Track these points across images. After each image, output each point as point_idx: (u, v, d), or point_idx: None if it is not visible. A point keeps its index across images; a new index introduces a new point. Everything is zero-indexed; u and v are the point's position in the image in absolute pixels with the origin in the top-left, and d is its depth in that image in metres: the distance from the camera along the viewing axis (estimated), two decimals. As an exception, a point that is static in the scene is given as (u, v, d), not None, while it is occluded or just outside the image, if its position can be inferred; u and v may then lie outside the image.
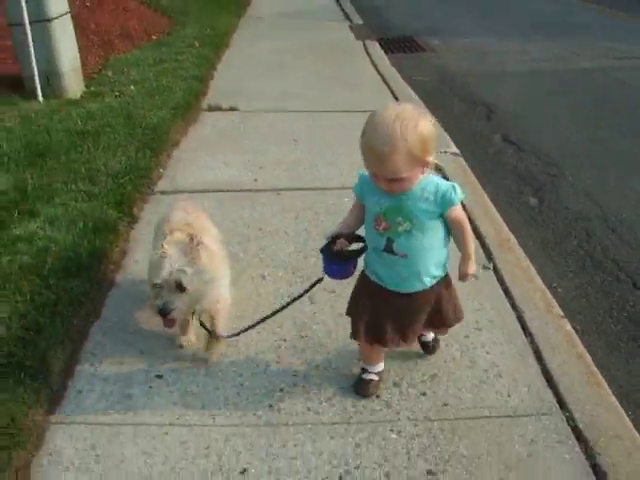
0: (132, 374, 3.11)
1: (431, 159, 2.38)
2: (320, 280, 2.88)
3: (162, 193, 4.93)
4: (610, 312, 3.89)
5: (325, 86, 7.93)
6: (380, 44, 10.37)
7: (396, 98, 7.37)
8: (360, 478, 2.54)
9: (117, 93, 6.98)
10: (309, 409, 2.92)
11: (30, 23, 6.36)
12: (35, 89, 6.66)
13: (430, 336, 3.13)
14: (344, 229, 2.71)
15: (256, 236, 4.34)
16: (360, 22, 12.32)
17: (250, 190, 5.02)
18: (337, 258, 2.66)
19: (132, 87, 7.16)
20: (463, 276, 2.71)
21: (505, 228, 4.40)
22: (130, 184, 4.74)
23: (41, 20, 6.49)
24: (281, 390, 3.00)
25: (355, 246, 2.68)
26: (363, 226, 2.70)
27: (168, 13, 11.15)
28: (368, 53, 9.72)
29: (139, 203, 4.65)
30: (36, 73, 6.59)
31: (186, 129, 6.29)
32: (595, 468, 2.60)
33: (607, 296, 4.01)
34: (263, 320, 3.05)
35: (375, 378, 2.96)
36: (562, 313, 3.53)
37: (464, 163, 5.41)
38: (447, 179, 4.08)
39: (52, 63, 6.71)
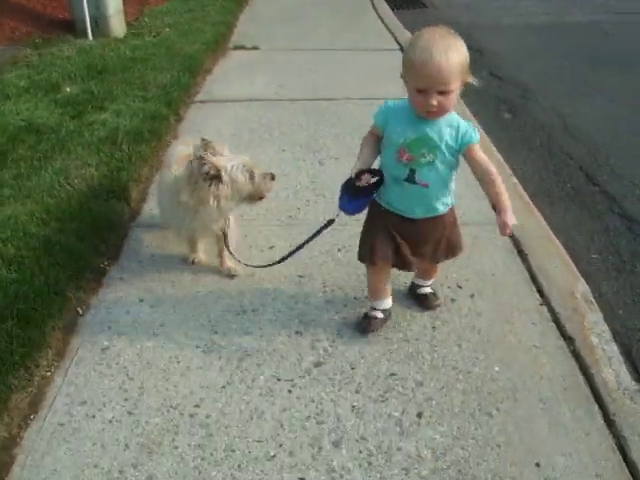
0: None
1: (469, 79, 2.51)
2: (332, 221, 3.01)
3: (201, 102, 6.22)
4: (557, 184, 5.15)
5: (336, 32, 9.21)
6: (387, 2, 11.54)
7: (398, 43, 8.53)
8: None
9: (155, 34, 8.22)
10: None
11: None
12: (86, 30, 7.89)
13: (427, 289, 3.22)
14: (363, 165, 2.75)
15: (278, 126, 5.64)
16: (371, -19, 13.42)
17: (271, 100, 6.30)
18: (360, 194, 2.73)
19: (167, 29, 8.38)
20: (504, 228, 2.63)
21: (482, 132, 5.48)
22: (176, 92, 5.97)
23: (92, -33, 7.57)
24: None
25: (374, 179, 2.74)
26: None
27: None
28: (375, 7, 10.96)
29: (183, 107, 5.94)
30: (87, 16, 7.84)
31: (216, 61, 7.54)
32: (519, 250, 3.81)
33: (556, 175, 5.29)
34: (283, 259, 3.29)
35: (380, 316, 3.05)
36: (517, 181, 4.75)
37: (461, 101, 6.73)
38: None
39: (100, 8, 7.98)
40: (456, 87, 2.50)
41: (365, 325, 3.05)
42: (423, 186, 2.71)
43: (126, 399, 2.73)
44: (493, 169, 2.70)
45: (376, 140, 2.81)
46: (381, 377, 2.86)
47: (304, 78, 6.94)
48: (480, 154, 2.69)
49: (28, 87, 5.88)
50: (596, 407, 2.71)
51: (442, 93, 2.48)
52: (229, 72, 7.22)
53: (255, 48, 8.24)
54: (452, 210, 2.90)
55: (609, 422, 2.63)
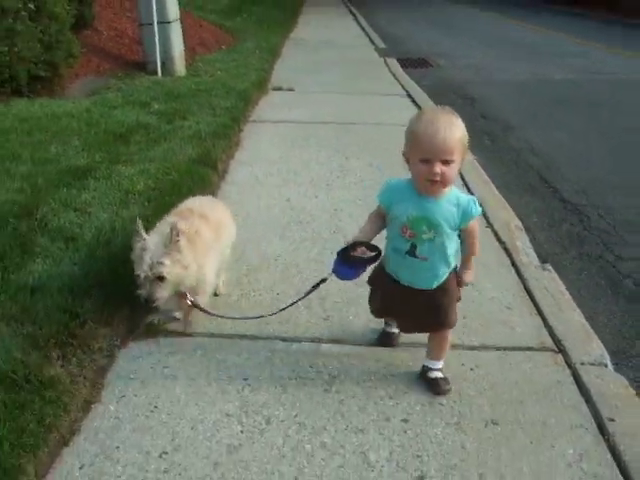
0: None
1: (466, 155, 2.80)
2: (324, 280, 3.22)
3: (254, 122, 8.57)
4: (519, 183, 7.31)
5: (352, 81, 11.51)
6: (397, 61, 13.89)
7: (407, 92, 10.76)
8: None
9: (210, 75, 10.50)
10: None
11: (157, 23, 10.03)
12: (156, 69, 10.13)
13: (437, 373, 3.25)
14: (363, 238, 2.98)
15: (312, 137, 7.99)
16: (383, 46, 16.19)
17: (307, 122, 8.54)
18: (353, 262, 2.93)
19: (219, 72, 10.64)
20: (462, 283, 3.09)
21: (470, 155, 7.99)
22: (236, 113, 8.18)
23: (163, 22, 10.14)
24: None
25: (371, 254, 2.96)
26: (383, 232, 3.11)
27: (231, 32, 14.85)
28: (387, 64, 13.30)
29: (243, 123, 8.34)
30: (158, 58, 10.12)
31: (260, 96, 9.75)
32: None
33: (520, 178, 7.49)
34: (283, 309, 3.66)
35: (396, 331, 3.44)
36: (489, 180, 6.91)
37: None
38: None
39: (168, 52, 10.28)
40: (457, 160, 2.72)
41: (386, 340, 3.53)
42: (422, 260, 2.91)
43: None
44: (477, 237, 3.07)
45: (381, 218, 3.03)
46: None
47: (331, 110, 9.16)
48: (474, 225, 2.99)
49: (126, 103, 8.04)
50: (513, 271, 4.78)
51: (445, 163, 2.69)
52: (272, 104, 9.49)
53: (290, 89, 10.50)
54: (452, 279, 3.09)
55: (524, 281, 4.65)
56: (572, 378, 3.52)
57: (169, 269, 3.12)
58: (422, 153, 2.74)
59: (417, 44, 17.27)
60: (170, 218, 3.41)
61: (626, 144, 8.64)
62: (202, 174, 5.90)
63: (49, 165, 5.49)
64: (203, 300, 3.50)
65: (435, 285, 3.01)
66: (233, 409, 3.15)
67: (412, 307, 3.07)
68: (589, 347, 3.85)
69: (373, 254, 2.97)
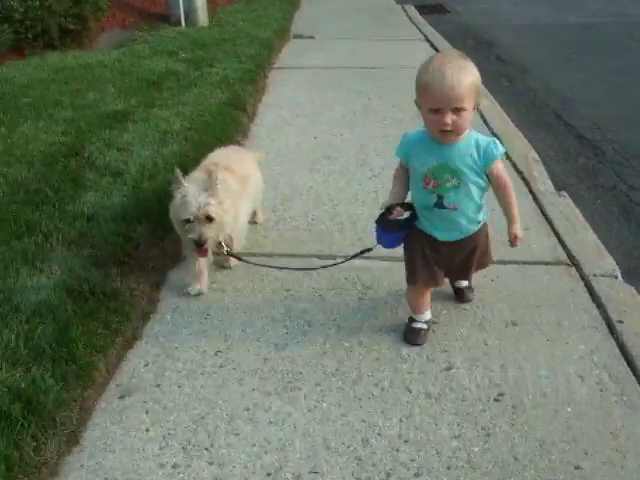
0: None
1: (481, 102, 2.69)
2: (369, 249, 3.28)
3: (278, 68, 8.80)
4: (535, 120, 7.54)
5: (371, 27, 11.77)
6: (415, 7, 14.01)
7: (425, 36, 10.96)
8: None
9: (233, 25, 10.76)
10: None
11: (179, -24, 10.17)
12: (180, 20, 10.43)
13: (464, 283, 3.38)
14: (395, 199, 2.92)
15: (336, 81, 8.24)
16: (400, -7, 16.21)
17: (329, 67, 8.81)
18: (392, 227, 2.89)
19: (241, 22, 10.89)
20: (513, 239, 2.93)
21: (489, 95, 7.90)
22: (260, 60, 8.48)
23: (185, -26, 10.32)
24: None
25: (406, 214, 2.89)
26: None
27: (251, -17, 15.24)
28: (405, 10, 13.49)
29: (267, 69, 8.62)
30: (182, 10, 10.44)
31: (283, 44, 10.04)
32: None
33: (536, 115, 7.75)
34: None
35: (425, 327, 3.17)
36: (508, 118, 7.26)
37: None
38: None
39: (191, 3, 10.60)
40: (469, 106, 2.62)
41: (413, 337, 3.21)
42: (452, 209, 2.83)
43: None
44: (509, 183, 2.90)
45: (405, 173, 2.98)
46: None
47: (352, 56, 9.42)
48: (499, 168, 2.84)
49: (154, 53, 8.34)
50: (530, 197, 5.09)
51: (456, 111, 2.60)
52: (294, 51, 9.77)
53: (311, 37, 10.75)
54: (484, 226, 3.07)
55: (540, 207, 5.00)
56: (585, 287, 3.79)
57: (216, 208, 3.24)
58: (431, 102, 2.67)
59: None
60: (197, 172, 3.55)
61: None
62: (233, 116, 6.21)
63: (89, 110, 5.84)
64: (238, 246, 3.67)
65: (470, 231, 3.01)
66: (278, 315, 3.48)
67: (455, 260, 3.10)
68: (601, 262, 4.14)
69: (409, 213, 2.94)
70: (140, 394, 2.97)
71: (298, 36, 10.85)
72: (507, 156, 5.48)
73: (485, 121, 6.53)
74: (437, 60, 2.71)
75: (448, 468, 2.59)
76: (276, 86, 7.81)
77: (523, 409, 2.88)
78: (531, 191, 5.11)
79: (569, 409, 2.81)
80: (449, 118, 2.64)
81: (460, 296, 3.44)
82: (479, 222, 3.00)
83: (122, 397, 2.97)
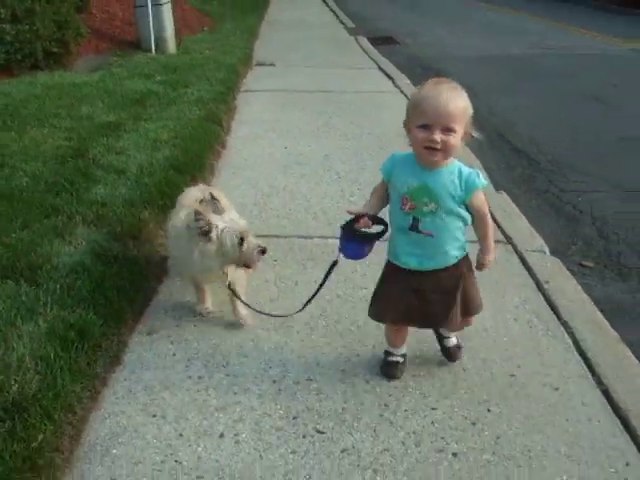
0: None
1: (470, 133, 2.69)
2: (335, 263, 3.13)
3: (245, 91, 9.62)
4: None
5: (326, 56, 12.64)
6: (367, 39, 14.96)
7: (378, 65, 11.81)
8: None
9: (200, 52, 11.51)
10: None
11: (151, 5, 11.09)
12: (150, 47, 11.12)
13: (452, 341, 3.32)
14: (367, 210, 2.89)
15: (297, 103, 9.11)
16: (352, 25, 17.32)
17: (290, 90, 9.67)
18: (356, 238, 2.86)
19: (207, 51, 11.69)
20: (481, 266, 2.96)
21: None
22: (230, 83, 9.33)
23: (156, 4, 11.17)
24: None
25: (375, 229, 2.89)
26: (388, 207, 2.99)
27: (210, 15, 15.96)
28: (357, 41, 14.42)
29: (236, 92, 9.59)
30: (152, 37, 11.13)
31: (247, 70, 10.78)
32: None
33: (476, 130, 9.00)
34: (302, 308, 3.55)
35: (400, 360, 3.24)
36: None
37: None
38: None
39: (161, 32, 11.29)
40: (459, 130, 2.59)
41: (389, 370, 3.30)
42: (427, 235, 2.78)
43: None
44: (488, 215, 2.90)
45: (383, 190, 2.94)
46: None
47: (312, 81, 10.27)
48: (479, 199, 2.80)
49: (132, 75, 9.08)
50: None
51: (445, 131, 2.56)
52: (258, 77, 10.57)
53: (272, 65, 11.56)
54: (468, 264, 2.99)
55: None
56: (519, 258, 4.66)
57: (218, 222, 3.33)
58: (421, 118, 2.62)
59: (384, 24, 18.37)
60: (183, 210, 3.66)
61: (574, 107, 9.93)
62: (212, 129, 6.99)
63: (85, 121, 6.62)
64: (243, 290, 3.76)
65: (445, 263, 2.91)
66: (269, 276, 4.31)
67: (432, 296, 2.98)
68: (533, 241, 5.02)
69: (379, 229, 2.93)
70: (164, 331, 3.72)
71: (260, 63, 11.63)
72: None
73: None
74: (433, 81, 2.74)
75: (413, 376, 3.42)
76: (245, 106, 8.58)
77: (469, 338, 3.67)
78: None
79: (505, 339, 3.65)
80: (438, 136, 2.60)
81: (450, 355, 3.40)
82: (456, 257, 2.92)
83: (150, 334, 3.70)
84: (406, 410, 3.18)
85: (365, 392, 3.29)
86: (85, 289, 3.70)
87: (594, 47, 15.28)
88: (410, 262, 2.93)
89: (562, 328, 3.90)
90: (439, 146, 2.63)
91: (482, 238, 2.98)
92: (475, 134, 2.90)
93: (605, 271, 5.03)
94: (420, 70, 11.93)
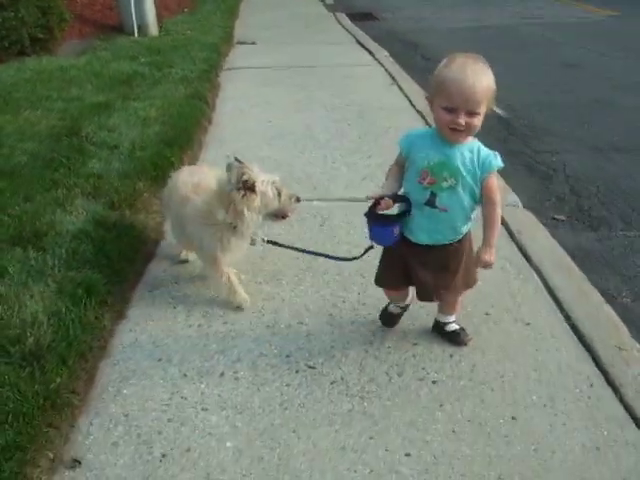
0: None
1: (493, 107, 2.65)
2: (371, 247, 3.20)
3: (228, 69, 9.82)
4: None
5: (306, 33, 12.92)
6: (346, 15, 15.22)
7: (357, 40, 12.10)
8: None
9: (182, 34, 11.79)
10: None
11: (133, -9, 11.25)
12: (133, 31, 11.36)
13: (454, 325, 3.33)
14: (385, 191, 2.84)
15: (278, 78, 9.36)
16: (331, 2, 17.58)
17: (272, 67, 9.92)
18: (380, 221, 2.84)
19: (188, 31, 11.98)
20: (481, 262, 2.84)
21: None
22: (213, 62, 9.56)
23: (137, -11, 11.43)
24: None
25: (396, 208, 2.87)
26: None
27: (190, -4, 16.37)
28: (337, 18, 14.66)
29: (219, 70, 9.83)
30: (134, 21, 11.37)
31: (229, 49, 11.07)
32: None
33: None
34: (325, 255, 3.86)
35: (398, 311, 3.37)
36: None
37: (398, 66, 10.31)
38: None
39: (142, 15, 11.55)
40: (483, 111, 2.58)
41: (388, 319, 3.48)
42: (442, 211, 2.77)
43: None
44: (498, 203, 2.81)
45: (400, 171, 2.90)
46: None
47: (292, 57, 10.51)
48: (493, 182, 2.77)
49: (117, 58, 9.31)
50: None
51: (470, 114, 2.57)
52: (240, 55, 10.82)
53: (253, 43, 11.82)
54: (467, 239, 3.00)
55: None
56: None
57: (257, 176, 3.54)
58: (447, 101, 2.61)
59: (363, 0, 18.52)
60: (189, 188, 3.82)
61: (550, 73, 10.21)
62: (198, 106, 7.25)
63: (76, 102, 6.89)
64: None
65: (453, 240, 2.93)
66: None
67: (431, 268, 3.00)
68: (506, 195, 5.32)
69: (401, 209, 2.92)
70: (164, 288, 4.02)
71: (241, 42, 11.88)
72: (428, 125, 6.61)
73: (411, 103, 7.73)
74: (459, 60, 2.66)
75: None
76: (229, 83, 8.86)
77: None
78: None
79: (480, 282, 3.89)
80: (463, 119, 2.60)
81: (455, 339, 3.39)
82: (463, 233, 2.95)
83: (151, 290, 4.00)
84: (389, 347, 3.46)
85: (351, 332, 3.58)
86: (89, 252, 3.97)
87: (573, 15, 15.63)
88: (421, 237, 2.94)
89: (533, 271, 4.19)
90: (463, 128, 2.64)
91: (487, 227, 2.86)
92: (496, 109, 2.75)
93: (576, 223, 5.28)
94: (399, 44, 12.26)
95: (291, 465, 2.77)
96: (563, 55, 11.31)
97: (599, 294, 4.03)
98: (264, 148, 6.34)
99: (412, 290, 3.34)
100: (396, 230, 2.91)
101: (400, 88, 8.52)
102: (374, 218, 2.86)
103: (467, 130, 2.67)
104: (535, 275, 4.17)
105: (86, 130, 5.91)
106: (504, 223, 4.75)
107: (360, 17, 15.39)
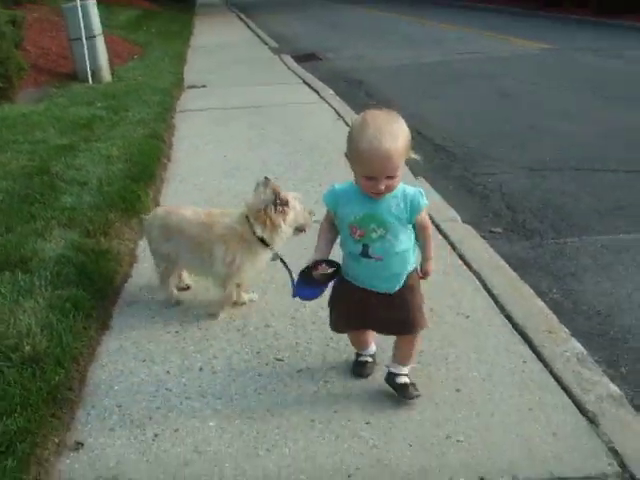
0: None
1: (411, 155, 2.75)
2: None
3: (181, 111, 10.32)
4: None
5: (254, 75, 13.45)
6: (291, 57, 15.84)
7: (303, 80, 12.66)
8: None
9: (134, 79, 12.23)
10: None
11: (86, 38, 11.83)
12: (87, 78, 11.77)
13: (404, 379, 3.28)
14: (320, 256, 2.98)
15: (231, 118, 9.94)
16: (275, 45, 18.27)
17: (224, 108, 10.45)
18: (315, 282, 2.97)
19: (140, 77, 12.39)
20: (425, 273, 3.09)
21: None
22: (167, 105, 10.05)
23: (90, 37, 11.87)
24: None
25: (331, 270, 3.00)
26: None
27: (137, 44, 16.68)
28: (282, 59, 15.27)
29: (172, 112, 10.39)
30: (88, 68, 11.82)
31: (180, 93, 11.51)
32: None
33: None
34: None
35: (370, 360, 3.41)
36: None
37: (344, 103, 10.88)
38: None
39: (96, 62, 11.95)
40: (402, 168, 2.69)
41: (359, 370, 3.47)
42: (377, 260, 2.85)
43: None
44: (430, 227, 3.07)
45: (331, 227, 3.01)
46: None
47: (241, 98, 11.06)
48: (424, 215, 2.92)
49: (74, 103, 9.74)
50: None
51: (390, 178, 2.65)
52: (191, 98, 11.32)
53: (203, 86, 12.33)
54: (413, 275, 3.08)
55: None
56: (435, 227, 5.53)
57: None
58: (365, 170, 2.70)
59: (306, 42, 19.39)
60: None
61: (486, 103, 11.05)
62: (157, 145, 7.75)
63: (42, 144, 7.33)
64: None
65: (397, 287, 2.98)
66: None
67: (378, 310, 3.05)
68: (447, 212, 5.94)
69: (333, 269, 2.98)
70: (142, 302, 4.48)
71: (192, 86, 12.37)
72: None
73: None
74: (373, 125, 2.66)
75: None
76: (183, 124, 9.36)
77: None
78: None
79: (424, 285, 4.43)
80: (383, 185, 2.68)
81: (404, 392, 3.32)
82: (408, 273, 3.06)
83: (129, 305, 4.46)
84: (347, 342, 3.87)
85: (312, 331, 4.06)
86: (71, 274, 4.39)
87: (507, 50, 16.58)
88: (364, 283, 3.03)
89: (472, 274, 4.75)
90: (383, 191, 2.74)
91: (424, 248, 3.08)
92: (414, 155, 2.85)
93: (511, 235, 5.88)
94: (343, 82, 12.94)
95: (268, 437, 3.22)
96: (498, 86, 12.08)
97: (532, 290, 4.59)
98: (223, 181, 6.82)
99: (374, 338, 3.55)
100: (324, 289, 3.16)
101: (346, 123, 8.94)
102: (308, 281, 3.01)
103: (388, 190, 2.76)
104: (474, 277, 4.69)
105: (55, 169, 6.35)
106: (445, 236, 5.36)
107: (304, 58, 16.00)
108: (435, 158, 8.24)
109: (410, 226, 2.91)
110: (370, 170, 2.68)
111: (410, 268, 3.03)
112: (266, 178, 3.70)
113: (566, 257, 5.42)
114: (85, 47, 11.68)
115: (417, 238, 3.00)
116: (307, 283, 3.02)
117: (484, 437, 3.19)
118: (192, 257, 4.08)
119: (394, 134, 2.65)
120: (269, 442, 3.20)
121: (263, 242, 3.79)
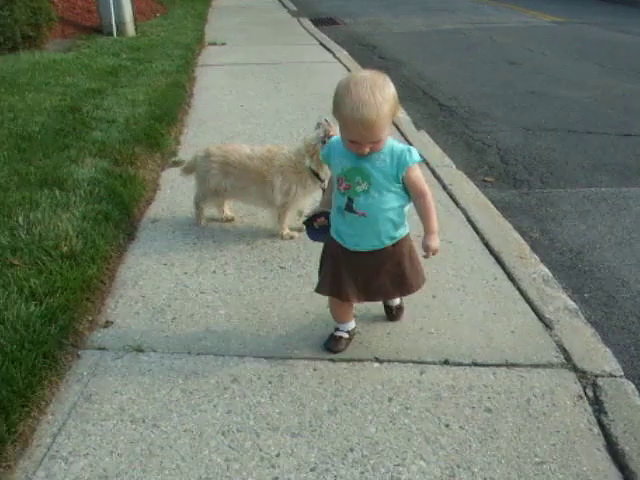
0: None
1: (398, 114, 2.68)
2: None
3: (202, 65, 10.81)
4: (407, 96, 9.76)
5: (272, 36, 13.92)
6: (309, 20, 16.26)
7: (320, 42, 13.15)
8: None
9: (157, 35, 12.85)
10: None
11: (112, -8, 12.36)
12: (112, 31, 12.33)
13: (395, 301, 3.44)
14: (322, 208, 3.22)
15: (249, 72, 10.45)
16: (295, 9, 18.64)
17: (243, 64, 10.97)
18: (318, 230, 3.30)
19: (163, 33, 13.04)
20: (426, 250, 2.89)
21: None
22: (188, 59, 10.54)
23: (116, -10, 12.53)
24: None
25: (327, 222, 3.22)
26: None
27: (162, 2, 17.31)
28: (300, 23, 15.75)
29: (193, 67, 10.91)
30: (113, 21, 12.40)
31: (201, 49, 12.05)
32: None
33: (408, 92, 10.26)
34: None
35: (345, 336, 3.33)
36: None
37: (356, 63, 11.34)
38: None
39: (121, 17, 12.52)
40: (387, 132, 2.65)
41: (332, 344, 3.34)
42: (361, 215, 2.83)
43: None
44: (427, 193, 2.84)
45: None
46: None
47: (260, 55, 11.57)
48: (415, 175, 2.79)
49: (101, 54, 10.33)
50: (398, 133, 7.67)
51: (374, 142, 2.65)
52: (212, 54, 11.82)
53: (223, 44, 12.83)
54: (408, 245, 3.04)
55: (406, 138, 7.49)
56: (430, 171, 6.15)
57: None
58: (349, 136, 2.69)
59: (325, 7, 19.79)
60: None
61: (492, 70, 11.48)
62: (178, 92, 8.30)
63: (72, 87, 7.93)
64: None
65: (381, 245, 2.95)
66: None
67: (369, 275, 3.02)
68: (443, 160, 6.48)
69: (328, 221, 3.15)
70: (164, 219, 5.08)
71: (212, 43, 12.87)
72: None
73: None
74: (357, 89, 2.58)
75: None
76: (203, 77, 9.88)
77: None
78: (399, 129, 7.40)
79: (414, 216, 5.22)
80: (367, 148, 2.69)
81: (389, 315, 3.59)
82: (393, 237, 2.97)
83: (153, 221, 5.06)
84: None
85: (313, 247, 4.54)
86: (103, 193, 4.97)
87: (520, 20, 17.00)
88: (347, 243, 2.99)
89: (459, 210, 5.30)
90: (368, 153, 2.74)
91: (423, 218, 2.92)
92: (400, 114, 3.20)
93: (502, 184, 6.44)
94: (358, 46, 13.38)
95: (269, 322, 3.82)
96: (507, 55, 12.52)
97: (511, 225, 5.15)
98: (238, 126, 7.39)
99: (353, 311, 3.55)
100: (324, 235, 3.27)
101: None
102: (311, 227, 3.38)
103: (372, 151, 2.75)
104: (460, 213, 5.24)
105: (85, 108, 6.93)
106: (438, 178, 5.91)
107: (323, 22, 16.43)
108: (439, 116, 8.73)
109: (400, 186, 2.85)
110: (352, 136, 2.67)
111: (400, 233, 3.02)
112: (325, 120, 3.99)
113: (549, 204, 5.92)
114: (111, 1, 12.13)
115: (415, 206, 2.97)
116: (312, 229, 3.34)
117: (452, 330, 3.76)
118: (256, 189, 4.50)
119: (376, 103, 2.56)
120: (269, 326, 3.78)
121: (313, 173, 4.25)
